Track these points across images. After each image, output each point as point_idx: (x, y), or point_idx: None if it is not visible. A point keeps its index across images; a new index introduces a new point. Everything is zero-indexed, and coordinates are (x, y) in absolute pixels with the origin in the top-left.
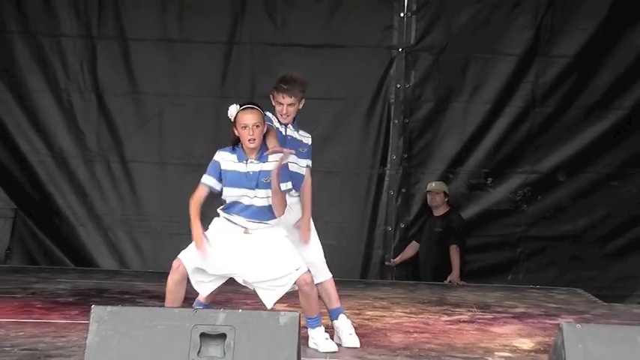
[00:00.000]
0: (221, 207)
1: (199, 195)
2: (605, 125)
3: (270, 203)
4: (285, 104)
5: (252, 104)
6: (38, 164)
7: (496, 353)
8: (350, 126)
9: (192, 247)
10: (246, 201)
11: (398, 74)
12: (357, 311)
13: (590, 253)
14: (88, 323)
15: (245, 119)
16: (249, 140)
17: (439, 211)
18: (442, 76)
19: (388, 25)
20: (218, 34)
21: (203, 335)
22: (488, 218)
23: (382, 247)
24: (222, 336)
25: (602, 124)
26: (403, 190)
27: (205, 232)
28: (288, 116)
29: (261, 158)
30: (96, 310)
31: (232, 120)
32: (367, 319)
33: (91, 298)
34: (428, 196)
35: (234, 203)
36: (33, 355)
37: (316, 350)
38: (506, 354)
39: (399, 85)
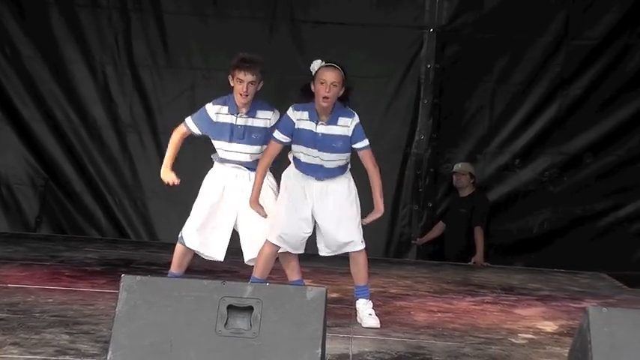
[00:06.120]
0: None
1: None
2: (633, 108)
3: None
4: (246, 82)
5: (336, 64)
6: (71, 134)
7: (519, 335)
8: (379, 105)
9: None
10: None
11: (428, 54)
12: (381, 289)
13: (616, 234)
14: (116, 292)
15: (324, 76)
16: (322, 98)
17: (465, 192)
18: (472, 57)
19: (419, 5)
20: (252, 9)
21: (230, 307)
22: (515, 199)
23: (408, 226)
24: (249, 309)
25: (629, 106)
26: (431, 170)
27: None
28: (247, 95)
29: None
30: (126, 279)
31: (313, 74)
32: (391, 297)
33: (119, 268)
34: (454, 177)
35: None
36: (62, 322)
37: (340, 326)
38: (530, 336)
39: (429, 66)
